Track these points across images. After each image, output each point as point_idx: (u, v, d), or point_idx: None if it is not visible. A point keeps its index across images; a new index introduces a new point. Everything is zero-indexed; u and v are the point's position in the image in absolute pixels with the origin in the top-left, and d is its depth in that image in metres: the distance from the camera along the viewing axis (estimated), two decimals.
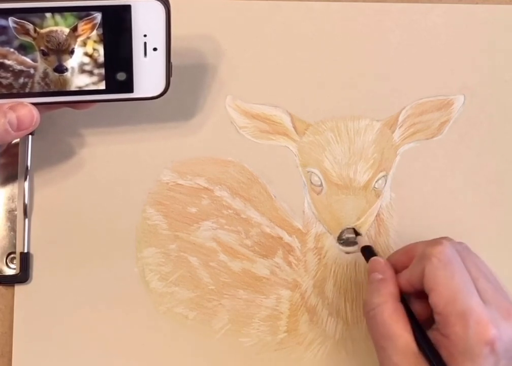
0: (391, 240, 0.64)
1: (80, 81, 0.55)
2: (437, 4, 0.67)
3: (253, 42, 0.66)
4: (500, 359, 0.51)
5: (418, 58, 0.67)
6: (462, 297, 0.53)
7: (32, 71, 0.54)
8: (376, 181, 0.65)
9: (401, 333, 0.54)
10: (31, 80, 0.54)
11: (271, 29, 0.66)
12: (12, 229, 0.63)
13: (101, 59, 0.55)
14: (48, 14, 0.52)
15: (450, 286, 0.53)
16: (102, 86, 0.55)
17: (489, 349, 0.50)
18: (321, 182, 0.64)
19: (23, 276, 0.62)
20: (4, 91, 0.54)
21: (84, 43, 0.54)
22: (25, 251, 0.62)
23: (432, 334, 0.54)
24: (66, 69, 0.54)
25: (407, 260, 0.58)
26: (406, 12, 0.67)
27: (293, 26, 0.66)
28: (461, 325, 0.51)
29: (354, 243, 0.64)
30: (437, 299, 0.53)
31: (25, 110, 0.54)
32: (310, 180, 0.64)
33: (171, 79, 0.57)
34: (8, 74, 0.54)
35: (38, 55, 0.54)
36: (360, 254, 0.62)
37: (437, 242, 0.56)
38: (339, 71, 0.66)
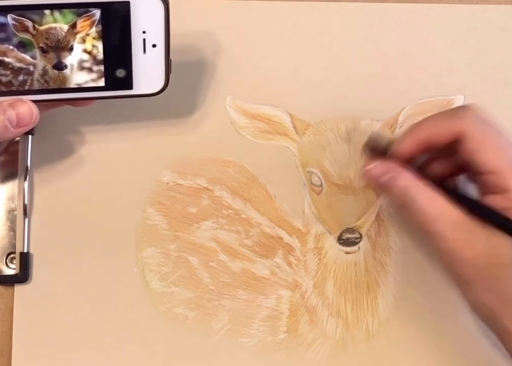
0: (391, 240, 0.64)
1: (79, 78, 0.55)
2: (436, 4, 0.67)
3: (253, 42, 0.66)
4: None
5: (418, 58, 0.67)
6: None
7: (31, 68, 0.54)
8: None
9: (437, 215, 0.54)
10: (30, 77, 0.55)
11: (271, 29, 0.66)
12: (12, 228, 0.63)
13: (100, 56, 0.55)
14: (47, 11, 0.53)
15: (499, 144, 0.54)
16: (101, 83, 0.56)
17: None
18: (321, 182, 0.64)
19: (23, 276, 0.62)
20: (3, 88, 0.55)
21: (83, 40, 0.54)
22: (25, 251, 0.62)
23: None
24: (66, 66, 0.55)
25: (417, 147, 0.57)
26: (406, 12, 0.67)
27: (293, 26, 0.66)
28: None
29: (354, 243, 0.63)
30: (486, 157, 0.53)
31: (24, 107, 0.54)
32: (310, 180, 0.64)
33: (172, 77, 0.57)
34: (8, 72, 0.54)
35: (37, 52, 0.54)
36: (360, 254, 0.63)
37: (464, 106, 0.57)
38: (339, 71, 0.66)
